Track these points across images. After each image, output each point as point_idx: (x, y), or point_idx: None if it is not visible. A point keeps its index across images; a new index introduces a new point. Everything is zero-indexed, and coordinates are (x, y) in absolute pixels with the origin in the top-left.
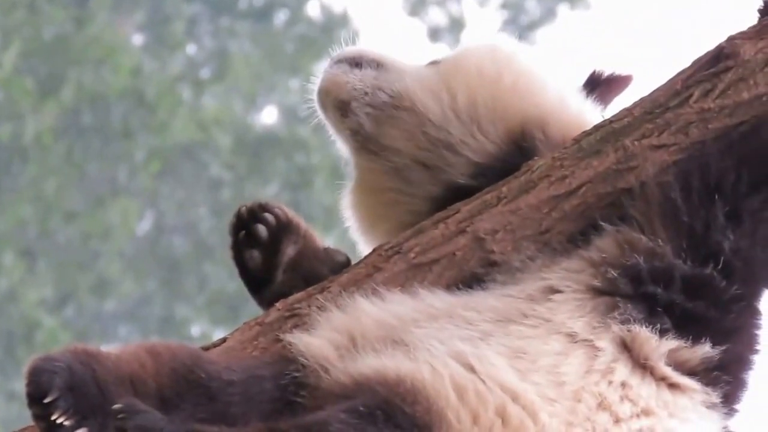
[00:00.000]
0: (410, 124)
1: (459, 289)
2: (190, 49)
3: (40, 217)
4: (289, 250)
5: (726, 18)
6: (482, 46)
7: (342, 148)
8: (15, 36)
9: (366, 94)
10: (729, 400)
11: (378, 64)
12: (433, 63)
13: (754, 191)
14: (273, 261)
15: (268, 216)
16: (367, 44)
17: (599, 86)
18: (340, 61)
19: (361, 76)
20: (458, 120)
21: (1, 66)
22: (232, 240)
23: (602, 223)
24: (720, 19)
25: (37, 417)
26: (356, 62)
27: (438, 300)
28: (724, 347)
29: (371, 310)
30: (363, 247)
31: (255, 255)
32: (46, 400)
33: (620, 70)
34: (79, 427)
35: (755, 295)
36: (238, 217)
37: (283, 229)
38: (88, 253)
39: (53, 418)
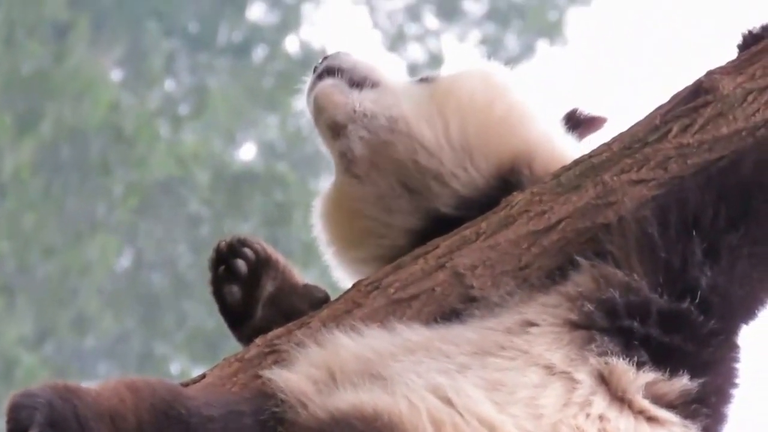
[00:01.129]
0: (403, 150)
1: (437, 323)
2: (169, 84)
3: (18, 252)
4: (269, 286)
5: (705, 52)
6: (476, 71)
7: (323, 149)
8: None
9: (364, 117)
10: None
11: (375, 84)
12: (426, 80)
13: (732, 227)
14: (252, 296)
15: (248, 251)
16: (362, 54)
17: (577, 125)
18: (334, 71)
19: (360, 99)
20: (452, 150)
21: None
22: (211, 275)
23: (578, 258)
24: (699, 53)
25: None
26: (355, 82)
27: (415, 334)
28: (702, 380)
29: (349, 345)
30: (329, 258)
31: (234, 290)
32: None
33: (596, 111)
34: None
35: (733, 330)
36: (218, 252)
37: (263, 264)
38: (66, 289)
39: None
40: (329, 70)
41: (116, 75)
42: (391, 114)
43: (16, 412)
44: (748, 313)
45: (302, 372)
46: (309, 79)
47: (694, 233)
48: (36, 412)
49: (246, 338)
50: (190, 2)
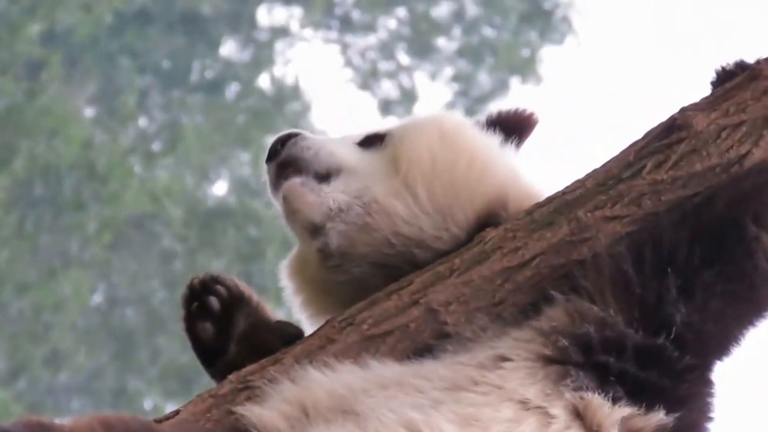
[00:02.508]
0: (382, 228)
1: (410, 358)
2: (142, 121)
3: None
4: (242, 322)
5: (679, 89)
6: (426, 125)
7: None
8: None
9: (340, 212)
10: None
11: (337, 171)
12: (377, 142)
13: (706, 265)
14: (225, 333)
15: (221, 288)
16: (305, 131)
17: (507, 128)
18: (298, 166)
19: (331, 194)
20: (427, 216)
21: None
22: (184, 312)
23: (553, 293)
24: (672, 90)
25: None
26: (321, 175)
27: (388, 369)
28: (677, 415)
29: (322, 381)
30: (297, 311)
31: (207, 327)
32: None
33: (521, 108)
34: None
35: (708, 366)
36: (191, 288)
37: (236, 301)
38: (40, 325)
39: None
40: (292, 163)
41: (89, 112)
42: (363, 200)
43: None
44: (722, 350)
45: (275, 408)
46: (269, 169)
47: (668, 270)
48: None
49: (219, 375)
50: (163, 40)
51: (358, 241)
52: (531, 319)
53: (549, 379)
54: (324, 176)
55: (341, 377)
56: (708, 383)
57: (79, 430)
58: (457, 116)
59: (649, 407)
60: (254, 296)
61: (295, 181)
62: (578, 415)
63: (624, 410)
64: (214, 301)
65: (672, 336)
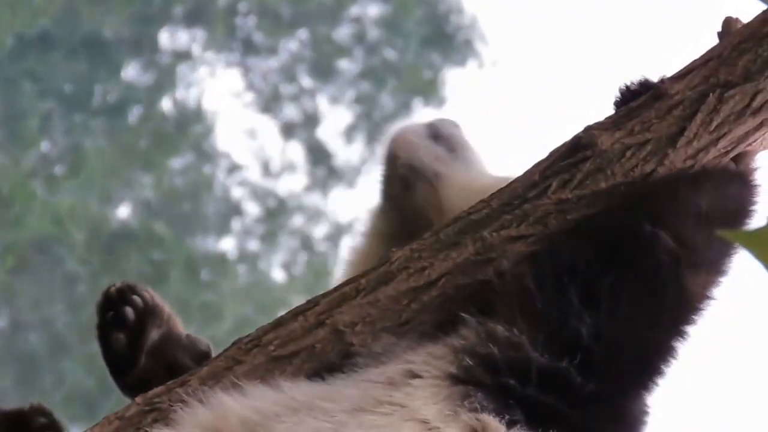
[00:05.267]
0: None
1: (322, 377)
2: (44, 145)
3: None
4: (154, 334)
5: (582, 108)
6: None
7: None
8: None
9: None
10: None
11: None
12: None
13: (606, 271)
14: (137, 344)
15: (137, 299)
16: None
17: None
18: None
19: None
20: None
21: None
22: (98, 320)
23: (463, 315)
24: (576, 109)
25: None
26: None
27: (299, 392)
28: None
29: (234, 407)
30: None
31: (120, 337)
32: None
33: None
34: None
35: (619, 394)
36: (107, 297)
37: (149, 312)
38: None
39: None
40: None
41: None
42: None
43: None
44: (641, 368)
45: None
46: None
47: (569, 281)
48: None
49: (128, 387)
50: (65, 63)
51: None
52: (447, 334)
53: (450, 399)
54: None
55: (252, 402)
56: (617, 415)
57: None
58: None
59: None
60: (167, 309)
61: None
62: None
63: None
64: (129, 312)
65: (577, 359)
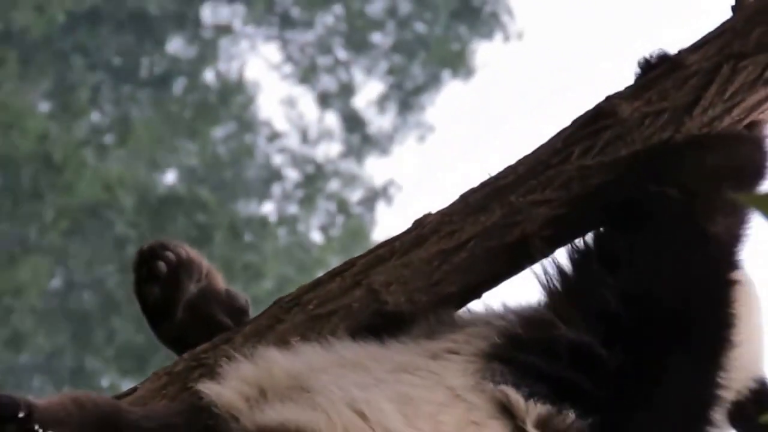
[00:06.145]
0: None
1: (379, 341)
2: (94, 115)
3: None
4: (191, 288)
5: (605, 78)
6: None
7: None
8: None
9: None
10: None
11: None
12: None
13: (622, 230)
14: (172, 297)
15: (169, 254)
16: None
17: None
18: None
19: None
20: None
21: None
22: (134, 276)
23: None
24: (599, 80)
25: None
26: None
27: (348, 351)
28: (601, 424)
29: (282, 362)
30: None
31: (155, 290)
32: (21, 415)
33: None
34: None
35: (645, 368)
36: (141, 253)
37: (184, 267)
38: (1, 309)
39: (35, 427)
40: None
41: (44, 107)
42: None
43: (2, 402)
44: (674, 335)
45: (235, 388)
46: None
47: (588, 244)
48: (19, 401)
49: (165, 338)
50: (113, 38)
51: None
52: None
53: (479, 373)
54: None
55: (303, 357)
56: (656, 393)
57: (52, 408)
58: None
59: (570, 408)
60: (204, 263)
61: None
62: (501, 407)
63: (544, 408)
64: (161, 266)
65: (603, 329)
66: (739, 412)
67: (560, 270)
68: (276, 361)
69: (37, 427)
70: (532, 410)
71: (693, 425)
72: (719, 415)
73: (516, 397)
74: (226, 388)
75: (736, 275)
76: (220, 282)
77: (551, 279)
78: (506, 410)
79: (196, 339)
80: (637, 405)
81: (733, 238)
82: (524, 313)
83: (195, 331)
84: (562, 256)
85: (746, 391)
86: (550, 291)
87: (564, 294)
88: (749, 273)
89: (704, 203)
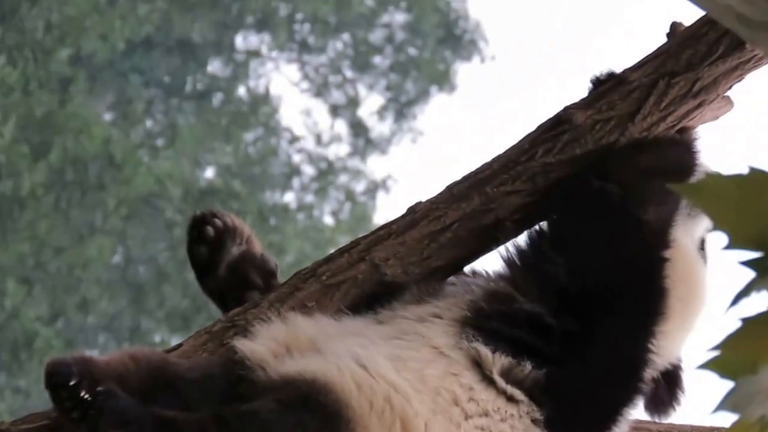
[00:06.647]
0: None
1: (372, 311)
2: (148, 123)
3: (34, 252)
4: (234, 250)
5: (564, 94)
6: None
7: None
8: (12, 112)
9: None
10: (558, 424)
11: None
12: None
13: (567, 219)
14: (217, 257)
15: (217, 221)
16: None
17: None
18: None
19: None
20: None
21: (3, 136)
22: (187, 237)
23: (473, 279)
24: (559, 94)
25: (63, 398)
26: None
27: (351, 324)
28: (551, 376)
29: (304, 326)
30: None
31: (203, 250)
32: (72, 383)
33: None
34: (95, 400)
35: (590, 333)
36: (193, 219)
37: (229, 232)
38: (73, 279)
39: (82, 394)
40: None
41: (108, 117)
42: None
43: (57, 369)
44: (613, 302)
45: (264, 344)
46: None
47: (543, 231)
48: (72, 368)
49: (209, 291)
50: (163, 60)
51: None
52: (467, 291)
53: (457, 335)
54: None
55: (319, 325)
56: (596, 352)
57: (113, 362)
58: None
59: (528, 362)
60: (247, 231)
61: None
62: (474, 362)
63: (507, 361)
64: (209, 230)
65: (555, 301)
66: (650, 395)
67: (520, 251)
68: (299, 325)
69: (84, 393)
70: (498, 363)
71: (623, 378)
72: (648, 373)
73: (485, 353)
74: (258, 344)
75: (666, 254)
76: (257, 246)
77: (514, 258)
78: (477, 363)
79: (232, 293)
80: (579, 360)
81: (663, 224)
82: (490, 288)
83: (233, 286)
84: (522, 239)
85: (659, 374)
86: (511, 267)
87: (522, 271)
88: (703, 255)
89: (637, 195)
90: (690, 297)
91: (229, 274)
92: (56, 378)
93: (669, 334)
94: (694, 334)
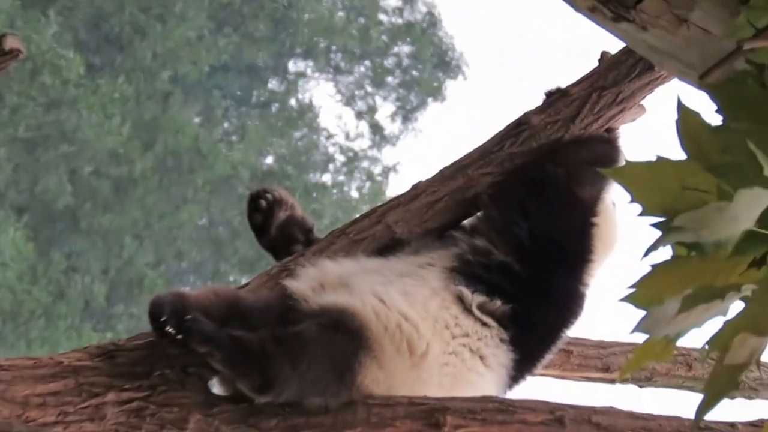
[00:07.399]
0: None
1: (387, 256)
2: (226, 125)
3: (144, 217)
4: (281, 215)
5: (526, 103)
6: None
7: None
8: (128, 117)
9: None
10: (520, 347)
11: None
12: None
13: (529, 195)
14: (268, 222)
15: (268, 195)
16: None
17: None
18: None
19: None
20: None
21: (122, 134)
22: (247, 208)
23: (458, 234)
24: (523, 104)
25: (155, 329)
26: None
27: (370, 263)
28: (515, 308)
29: (332, 268)
30: None
31: (258, 217)
32: (162, 319)
33: None
34: (178, 335)
35: (547, 278)
36: (251, 194)
37: (277, 202)
38: (171, 237)
39: (167, 329)
40: None
41: (197, 120)
42: None
43: (155, 307)
44: (562, 256)
45: (305, 283)
46: None
47: (510, 203)
48: (165, 306)
49: (264, 246)
50: (236, 79)
51: None
52: (454, 244)
53: (447, 279)
54: None
55: (344, 266)
56: (547, 291)
57: (201, 297)
58: None
59: (497, 299)
60: (290, 199)
61: None
62: (459, 299)
63: (482, 298)
64: (263, 202)
65: (520, 254)
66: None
67: (494, 216)
68: (329, 268)
69: (169, 328)
70: (476, 299)
71: (565, 306)
72: (585, 297)
73: (467, 292)
74: (301, 282)
75: (595, 220)
76: (299, 210)
77: (490, 221)
78: (461, 300)
79: (282, 247)
80: (536, 295)
81: (594, 198)
82: (472, 243)
83: (281, 242)
84: (495, 208)
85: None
86: (488, 229)
87: (496, 231)
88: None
89: (576, 178)
90: (607, 239)
91: (279, 233)
92: (154, 313)
93: (595, 264)
94: (617, 276)
